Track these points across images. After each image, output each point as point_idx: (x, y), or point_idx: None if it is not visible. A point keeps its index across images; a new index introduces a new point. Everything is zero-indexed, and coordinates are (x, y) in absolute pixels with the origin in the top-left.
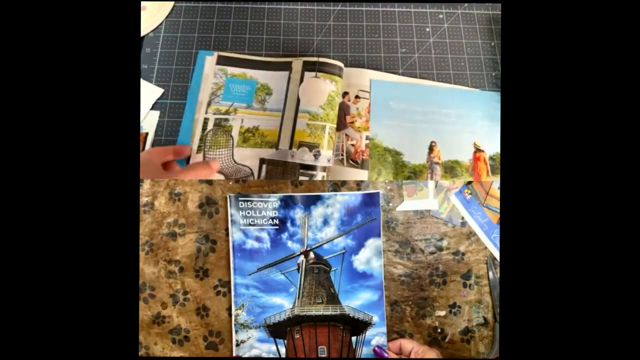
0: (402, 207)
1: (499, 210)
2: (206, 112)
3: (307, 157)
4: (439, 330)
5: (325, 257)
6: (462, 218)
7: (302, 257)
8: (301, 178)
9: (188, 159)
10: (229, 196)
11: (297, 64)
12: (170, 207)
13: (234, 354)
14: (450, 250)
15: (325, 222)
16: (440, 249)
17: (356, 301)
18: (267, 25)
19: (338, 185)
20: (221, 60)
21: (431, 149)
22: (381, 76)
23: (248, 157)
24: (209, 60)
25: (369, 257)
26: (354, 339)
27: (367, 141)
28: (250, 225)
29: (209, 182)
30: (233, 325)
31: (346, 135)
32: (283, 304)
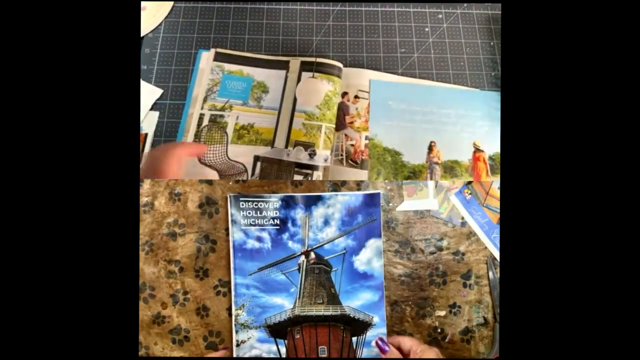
0: (402, 207)
1: (499, 210)
2: (202, 108)
3: (302, 157)
4: (439, 330)
5: (326, 258)
6: (462, 218)
7: (302, 257)
8: (296, 177)
9: None
10: (230, 196)
11: (294, 63)
12: (170, 207)
13: (234, 354)
14: (450, 250)
15: (326, 222)
16: (440, 249)
17: (356, 301)
18: (266, 25)
19: (338, 186)
20: (218, 57)
21: (430, 149)
22: (380, 76)
23: (242, 154)
24: (205, 56)
25: (370, 257)
26: (354, 339)
27: (367, 141)
28: (251, 225)
29: (209, 182)
30: (233, 325)
31: (345, 135)
32: (284, 304)
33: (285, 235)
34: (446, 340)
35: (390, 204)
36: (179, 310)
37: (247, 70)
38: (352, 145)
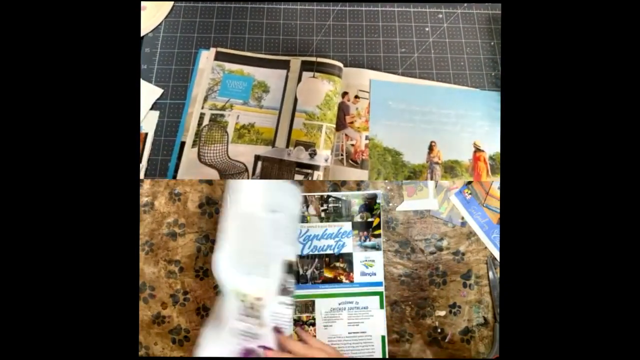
0: (402, 207)
1: (499, 210)
2: (202, 108)
3: (303, 156)
4: (439, 330)
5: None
6: (462, 218)
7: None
8: (297, 177)
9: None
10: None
11: (295, 63)
12: (170, 207)
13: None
14: (450, 250)
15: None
16: (440, 249)
17: None
18: (266, 25)
19: (338, 185)
20: (219, 56)
21: (431, 148)
22: (381, 76)
23: (242, 154)
24: (205, 55)
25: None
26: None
27: (367, 141)
28: None
29: (209, 182)
30: None
31: (346, 135)
32: None
33: None
34: (446, 340)
35: (390, 204)
36: (179, 310)
37: (247, 69)
38: (353, 145)
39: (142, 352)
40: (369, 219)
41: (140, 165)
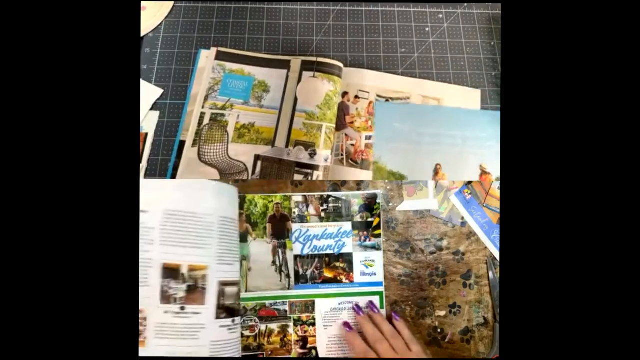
0: (402, 207)
1: (499, 210)
2: (203, 107)
3: (302, 156)
4: (439, 330)
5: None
6: (462, 218)
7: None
8: (297, 177)
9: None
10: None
11: (295, 63)
12: None
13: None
14: (450, 250)
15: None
16: (440, 249)
17: None
18: (266, 25)
19: (338, 185)
20: (220, 56)
21: (436, 171)
22: (381, 77)
23: (243, 153)
24: (205, 54)
25: None
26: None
27: (367, 141)
28: None
29: None
30: None
31: (346, 135)
32: None
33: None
34: (446, 340)
35: (390, 204)
36: None
37: (248, 69)
38: (353, 145)
39: None
40: (369, 219)
41: (141, 165)
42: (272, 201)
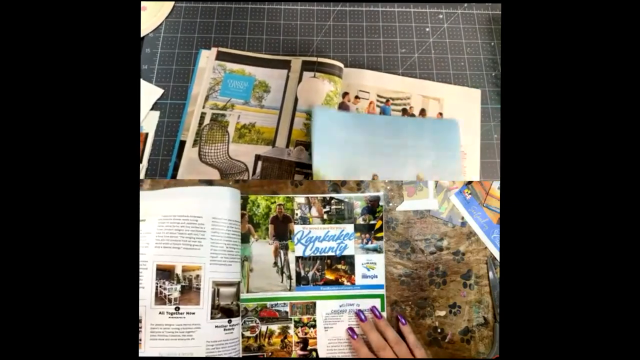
0: (402, 207)
1: (499, 210)
2: (203, 107)
3: (303, 156)
4: (439, 330)
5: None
6: (462, 218)
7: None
8: (297, 177)
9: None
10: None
11: (296, 63)
12: None
13: None
14: (450, 250)
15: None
16: (440, 249)
17: None
18: (266, 25)
19: (338, 185)
20: (221, 56)
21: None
22: (381, 77)
23: (243, 153)
24: (205, 54)
25: None
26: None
27: None
28: None
29: (209, 182)
30: None
31: None
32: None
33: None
34: (446, 340)
35: (391, 204)
36: None
37: (249, 69)
38: None
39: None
40: (372, 222)
41: (141, 165)
42: (275, 202)
